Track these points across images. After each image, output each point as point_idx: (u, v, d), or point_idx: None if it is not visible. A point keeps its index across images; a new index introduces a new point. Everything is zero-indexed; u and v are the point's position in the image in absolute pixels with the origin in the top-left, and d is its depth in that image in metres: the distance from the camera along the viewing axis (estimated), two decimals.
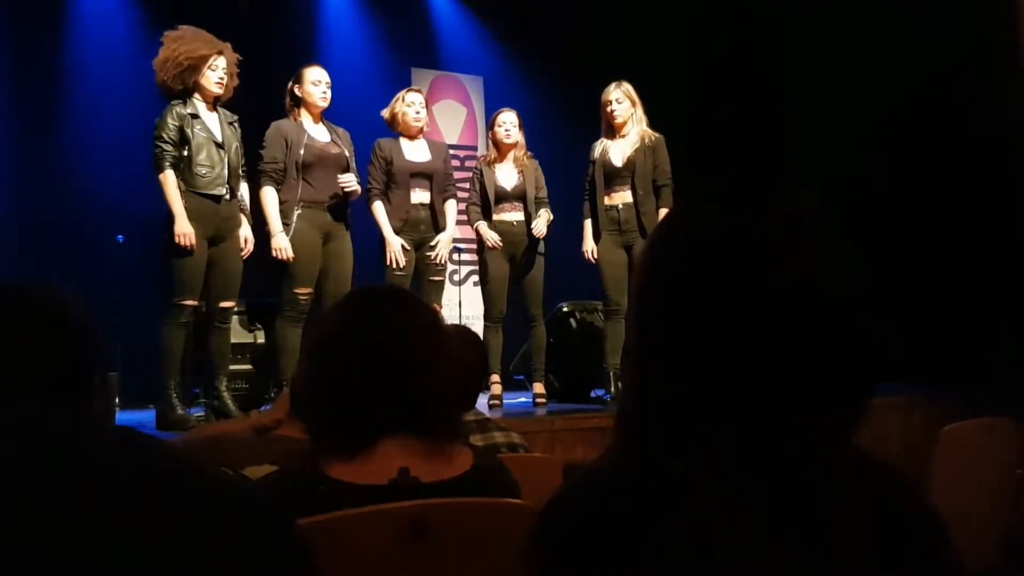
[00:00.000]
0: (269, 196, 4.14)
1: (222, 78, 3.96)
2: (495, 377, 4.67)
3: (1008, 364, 4.58)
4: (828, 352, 0.75)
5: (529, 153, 4.81)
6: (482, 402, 4.29)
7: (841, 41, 5.62)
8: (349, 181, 4.22)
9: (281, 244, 4.08)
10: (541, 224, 4.66)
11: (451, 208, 4.62)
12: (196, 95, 3.94)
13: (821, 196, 0.81)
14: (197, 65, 3.90)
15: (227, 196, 3.94)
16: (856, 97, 5.56)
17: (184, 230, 3.76)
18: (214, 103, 4.01)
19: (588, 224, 4.78)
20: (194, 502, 0.65)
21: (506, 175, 4.73)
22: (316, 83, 4.25)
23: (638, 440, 0.79)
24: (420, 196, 4.51)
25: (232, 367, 4.25)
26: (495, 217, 4.70)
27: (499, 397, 4.64)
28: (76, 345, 0.85)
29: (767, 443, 0.74)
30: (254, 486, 0.84)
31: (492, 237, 4.63)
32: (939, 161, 5.17)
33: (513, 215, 4.72)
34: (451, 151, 5.11)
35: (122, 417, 4.38)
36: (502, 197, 4.70)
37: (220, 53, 3.97)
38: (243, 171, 4.10)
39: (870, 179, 5.42)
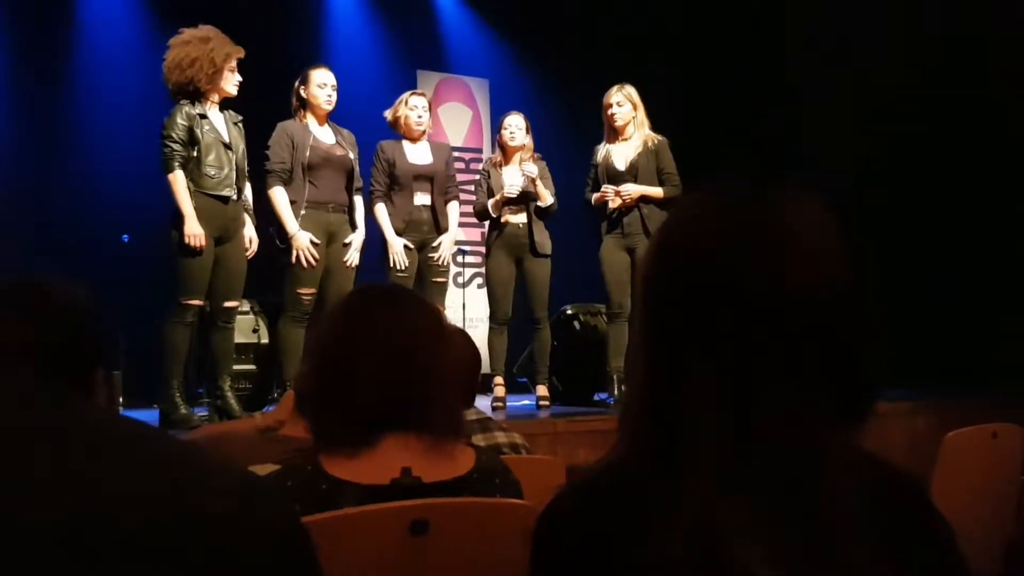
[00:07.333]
0: (280, 196, 4.14)
1: (240, 80, 3.97)
2: (499, 379, 4.67)
3: (1014, 370, 4.56)
4: (834, 351, 0.75)
5: (536, 155, 4.78)
6: (485, 404, 4.28)
7: (840, 40, 5.62)
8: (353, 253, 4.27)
9: (303, 243, 4.09)
10: (532, 168, 4.57)
11: (453, 210, 4.62)
12: (206, 96, 3.92)
13: (827, 196, 0.81)
14: (221, 68, 3.89)
15: (234, 197, 3.95)
16: (856, 95, 5.55)
17: (195, 231, 3.75)
18: (220, 103, 4.00)
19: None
20: (204, 492, 0.65)
21: (512, 178, 4.71)
22: (321, 86, 4.24)
23: (641, 439, 0.79)
24: (422, 198, 4.52)
25: (236, 367, 4.25)
26: (501, 219, 4.68)
27: (502, 399, 4.64)
28: (80, 335, 0.84)
29: (771, 443, 0.74)
30: (266, 480, 0.83)
31: (524, 177, 4.56)
32: (944, 162, 5.16)
33: (518, 217, 4.70)
34: (456, 153, 5.10)
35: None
36: (508, 200, 4.69)
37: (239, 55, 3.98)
38: (248, 171, 4.10)
39: (876, 179, 5.41)
